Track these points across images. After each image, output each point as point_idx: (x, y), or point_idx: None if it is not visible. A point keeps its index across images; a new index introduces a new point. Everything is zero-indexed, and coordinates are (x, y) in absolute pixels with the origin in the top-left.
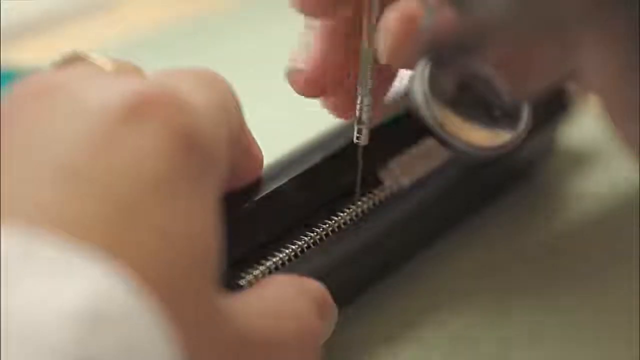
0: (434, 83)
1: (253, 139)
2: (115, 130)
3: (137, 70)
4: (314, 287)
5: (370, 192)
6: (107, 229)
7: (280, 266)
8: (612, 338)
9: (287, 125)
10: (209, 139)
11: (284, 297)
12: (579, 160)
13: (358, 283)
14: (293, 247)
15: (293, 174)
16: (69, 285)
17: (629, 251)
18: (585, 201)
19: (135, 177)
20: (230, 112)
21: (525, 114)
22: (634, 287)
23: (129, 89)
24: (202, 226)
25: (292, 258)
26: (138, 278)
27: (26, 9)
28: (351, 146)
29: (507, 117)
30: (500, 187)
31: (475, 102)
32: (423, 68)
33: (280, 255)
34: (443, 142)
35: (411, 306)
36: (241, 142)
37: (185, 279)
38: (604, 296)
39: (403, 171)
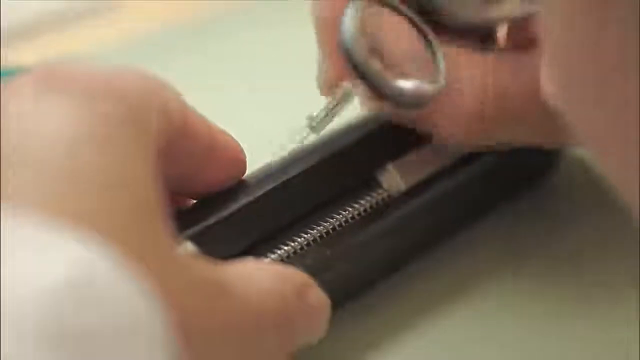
0: (364, 22)
1: (221, 133)
2: (30, 104)
3: None
4: (291, 270)
5: (368, 195)
6: (54, 197)
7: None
8: (613, 345)
9: (286, 125)
10: (126, 96)
11: (264, 275)
12: (586, 168)
13: (354, 284)
14: (288, 247)
15: (290, 174)
16: (43, 260)
17: (635, 258)
18: (592, 208)
19: (57, 138)
20: (161, 93)
21: (442, 70)
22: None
23: (39, 69)
24: (138, 171)
25: (286, 258)
26: (103, 238)
27: (26, 9)
28: (350, 147)
29: (428, 70)
30: (505, 193)
31: (401, 53)
32: (355, 4)
33: (273, 256)
34: (367, 81)
35: (408, 308)
36: (193, 130)
37: (137, 221)
38: (607, 303)
39: (402, 174)
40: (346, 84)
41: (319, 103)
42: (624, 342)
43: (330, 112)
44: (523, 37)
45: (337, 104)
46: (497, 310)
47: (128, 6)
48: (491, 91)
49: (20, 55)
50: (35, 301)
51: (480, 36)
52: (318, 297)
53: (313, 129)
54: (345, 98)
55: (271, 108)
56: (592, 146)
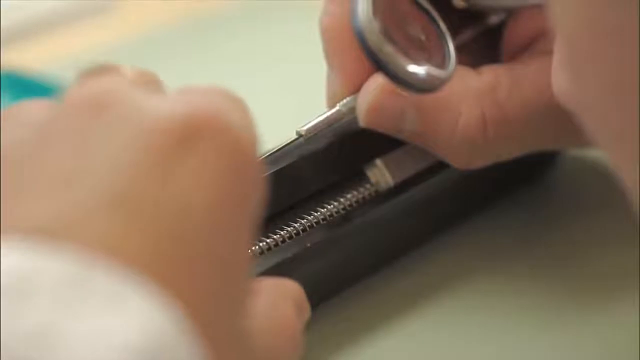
0: (377, 7)
1: None
2: (169, 155)
3: (157, 80)
4: (293, 287)
5: (355, 190)
6: (161, 261)
7: (258, 255)
8: (614, 343)
9: (285, 124)
10: (254, 160)
11: (273, 304)
12: (585, 165)
13: (338, 278)
14: (270, 239)
15: (278, 167)
16: (124, 319)
17: (634, 256)
18: (590, 206)
19: (192, 206)
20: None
21: (452, 56)
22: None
23: (178, 109)
24: (246, 254)
25: (267, 250)
26: (187, 312)
27: (26, 9)
28: (338, 141)
29: (438, 57)
30: (501, 190)
31: (411, 39)
32: None
33: (259, 245)
34: (380, 64)
35: (394, 304)
36: None
37: (229, 310)
38: (607, 302)
39: (390, 170)
40: (351, 99)
41: (319, 103)
42: (623, 342)
43: (327, 124)
44: (523, 35)
45: (338, 118)
46: (492, 308)
47: (128, 6)
48: (491, 113)
49: (21, 55)
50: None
51: (486, 28)
52: (306, 304)
53: (308, 140)
54: (349, 113)
55: (271, 108)
56: (604, 142)
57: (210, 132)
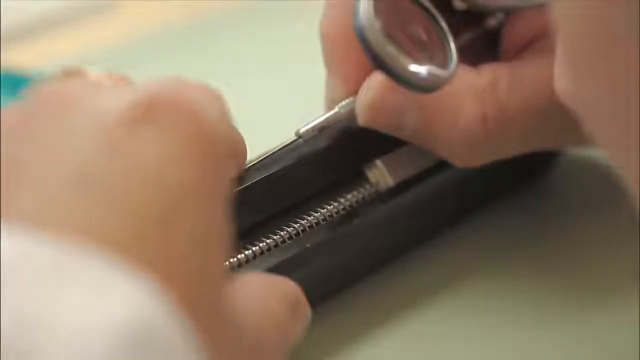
0: (379, 6)
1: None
2: (131, 136)
3: (129, 82)
4: (287, 286)
5: (355, 190)
6: (137, 240)
7: (258, 255)
8: (614, 343)
9: (285, 124)
10: (221, 138)
11: (260, 296)
12: (586, 165)
13: (337, 279)
14: (270, 240)
15: (276, 167)
16: (107, 301)
17: (634, 256)
18: (590, 207)
19: (160, 184)
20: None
21: (454, 56)
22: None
23: (139, 92)
24: (222, 232)
25: (267, 251)
26: (170, 292)
27: (26, 9)
28: (338, 142)
29: (439, 57)
30: (501, 191)
31: (413, 39)
32: None
33: (255, 248)
34: (381, 64)
35: (394, 304)
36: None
37: (210, 288)
38: (606, 302)
39: (390, 170)
40: (350, 100)
41: (319, 103)
42: (623, 342)
43: (327, 125)
44: (523, 34)
45: (337, 119)
46: (492, 308)
47: (128, 6)
48: (491, 111)
49: (20, 55)
50: (88, 343)
51: (485, 27)
52: (304, 305)
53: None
54: (348, 114)
55: (271, 108)
56: (605, 141)
57: (171, 111)
